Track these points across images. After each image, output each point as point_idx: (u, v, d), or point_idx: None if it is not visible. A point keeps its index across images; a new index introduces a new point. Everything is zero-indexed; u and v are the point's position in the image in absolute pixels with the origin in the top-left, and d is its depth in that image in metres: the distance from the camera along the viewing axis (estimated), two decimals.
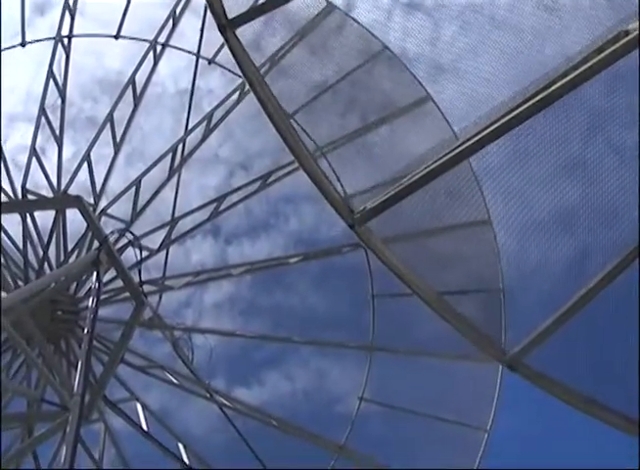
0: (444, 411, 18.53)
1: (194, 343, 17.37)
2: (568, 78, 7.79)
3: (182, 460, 16.99)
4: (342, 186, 9.32)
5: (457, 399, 19.03)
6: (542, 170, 9.24)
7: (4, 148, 17.85)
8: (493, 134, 8.02)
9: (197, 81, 18.75)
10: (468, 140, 8.19)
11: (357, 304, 20.13)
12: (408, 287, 8.11)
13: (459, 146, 8.23)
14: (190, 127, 18.10)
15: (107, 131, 17.71)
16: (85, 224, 16.69)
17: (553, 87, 7.86)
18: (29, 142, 17.73)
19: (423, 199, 9.72)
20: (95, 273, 14.26)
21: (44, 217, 17.16)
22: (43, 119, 17.85)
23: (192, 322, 18.73)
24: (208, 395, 17.72)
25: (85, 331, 13.42)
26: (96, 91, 19.62)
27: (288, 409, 19.07)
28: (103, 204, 17.39)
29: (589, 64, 7.66)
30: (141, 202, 17.37)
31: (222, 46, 18.70)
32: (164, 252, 17.92)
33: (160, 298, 17.63)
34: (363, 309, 19.88)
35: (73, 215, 16.78)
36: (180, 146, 17.87)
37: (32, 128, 17.89)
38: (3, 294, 15.18)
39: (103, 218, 17.14)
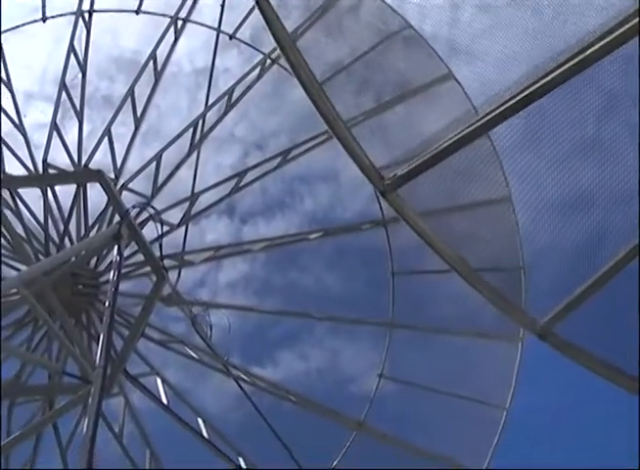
0: (463, 390, 18.54)
1: (201, 325, 17.40)
2: (586, 54, 7.81)
3: (201, 435, 17.05)
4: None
5: (476, 378, 19.04)
6: (558, 151, 9.25)
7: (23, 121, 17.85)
8: (518, 105, 7.98)
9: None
10: (492, 111, 8.14)
11: (372, 284, 20.16)
12: (439, 255, 8.10)
13: (484, 116, 8.18)
14: (210, 103, 18.06)
15: (123, 111, 17.66)
16: (105, 200, 16.85)
17: (570, 63, 7.86)
18: (45, 120, 17.79)
19: (443, 176, 9.70)
20: (116, 247, 14.28)
21: (65, 192, 17.21)
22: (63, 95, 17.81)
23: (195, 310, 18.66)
24: (226, 372, 17.76)
25: (106, 304, 13.43)
26: (112, 70, 19.60)
27: (302, 389, 19.07)
28: (123, 179, 17.41)
29: (607, 39, 7.64)
30: (160, 180, 17.38)
31: (243, 22, 18.71)
32: (181, 230, 17.92)
33: (180, 274, 17.64)
34: (377, 290, 19.90)
35: (94, 191, 16.91)
36: (200, 122, 17.85)
37: (48, 106, 17.94)
38: (24, 267, 15.28)
39: (123, 194, 17.12)
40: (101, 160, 17.41)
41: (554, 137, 9.17)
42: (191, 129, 17.61)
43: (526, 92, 8.01)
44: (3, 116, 17.57)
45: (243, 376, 17.82)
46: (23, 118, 17.91)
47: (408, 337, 19.57)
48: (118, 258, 14.06)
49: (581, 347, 8.29)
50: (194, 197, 17.83)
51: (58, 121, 17.44)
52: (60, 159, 17.44)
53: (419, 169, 7.84)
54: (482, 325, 19.14)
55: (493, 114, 8.17)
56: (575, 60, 7.88)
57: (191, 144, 17.55)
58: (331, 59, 18.63)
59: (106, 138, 17.26)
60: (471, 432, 18.78)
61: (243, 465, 17.31)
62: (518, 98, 8.00)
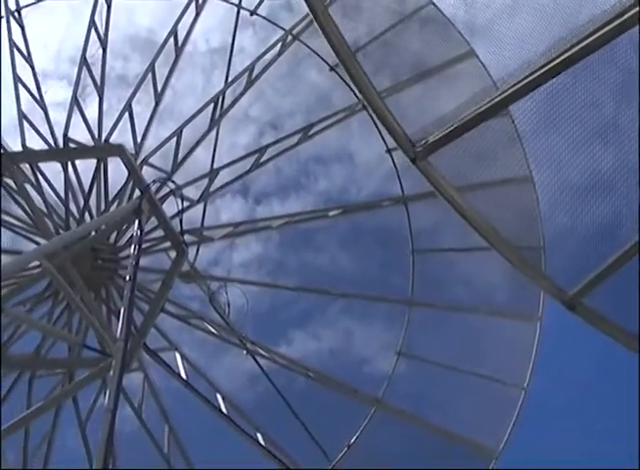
0: (481, 369, 18.54)
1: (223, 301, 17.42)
2: (602, 32, 7.78)
3: (220, 410, 17.10)
4: None
5: (494, 357, 19.05)
6: (576, 133, 9.22)
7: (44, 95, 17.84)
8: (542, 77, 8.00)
9: (228, 40, 18.69)
10: (516, 83, 8.15)
11: (386, 265, 20.14)
12: (468, 223, 8.09)
13: (509, 88, 8.20)
14: (230, 80, 18.00)
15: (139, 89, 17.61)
16: (124, 177, 16.87)
17: (588, 40, 7.93)
18: (60, 99, 17.80)
19: (466, 153, 9.69)
20: (137, 221, 14.29)
21: (85, 167, 17.23)
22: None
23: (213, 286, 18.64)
24: (244, 347, 17.80)
25: (127, 278, 13.46)
26: (126, 49, 19.51)
27: (316, 368, 19.07)
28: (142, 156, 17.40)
29: (624, 17, 7.65)
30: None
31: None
32: (199, 207, 17.91)
33: (198, 250, 17.62)
34: (392, 270, 19.91)
35: (113, 168, 16.92)
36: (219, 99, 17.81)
37: (63, 85, 17.97)
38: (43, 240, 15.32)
39: (143, 170, 17.10)
40: (118, 138, 17.41)
41: (573, 119, 9.16)
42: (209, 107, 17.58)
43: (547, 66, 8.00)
44: (23, 91, 17.57)
45: (261, 352, 17.87)
46: (44, 94, 17.88)
47: (424, 316, 19.58)
48: (139, 232, 14.09)
49: (609, 318, 8.27)
50: (213, 173, 17.81)
51: (72, 100, 17.45)
52: (78, 136, 17.47)
53: (450, 137, 7.85)
54: (499, 305, 19.18)
55: (519, 85, 8.16)
56: (593, 37, 7.88)
57: (211, 120, 17.50)
58: (349, 39, 18.65)
59: (117, 117, 17.27)
60: (488, 411, 18.79)
61: (261, 441, 17.37)
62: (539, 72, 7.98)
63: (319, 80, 19.78)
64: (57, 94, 18.36)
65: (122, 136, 17.29)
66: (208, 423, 18.35)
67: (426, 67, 14.76)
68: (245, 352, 17.83)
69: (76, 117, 17.41)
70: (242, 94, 17.74)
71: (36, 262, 14.41)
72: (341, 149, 20.31)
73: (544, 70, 8.11)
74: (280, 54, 18.06)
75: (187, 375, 17.20)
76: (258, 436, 17.58)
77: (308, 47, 18.28)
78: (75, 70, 17.70)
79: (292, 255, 20.57)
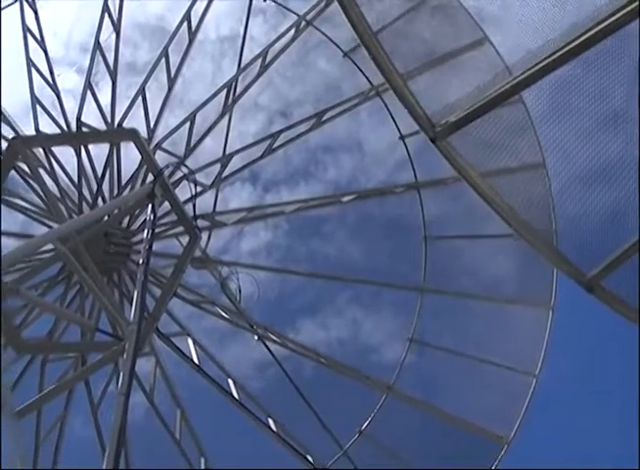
0: (492, 356, 18.55)
1: (231, 288, 17.42)
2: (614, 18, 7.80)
3: (232, 395, 17.13)
4: None
5: (505, 345, 19.04)
6: (586, 122, 9.22)
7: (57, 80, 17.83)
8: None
9: (238, 28, 18.70)
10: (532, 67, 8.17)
11: (394, 254, 20.16)
12: (488, 204, 8.11)
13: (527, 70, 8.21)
14: (243, 66, 17.97)
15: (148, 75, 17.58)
16: (136, 163, 16.86)
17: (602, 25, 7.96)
18: (69, 86, 17.83)
19: (477, 139, 9.70)
20: (150, 205, 14.28)
21: (98, 152, 17.23)
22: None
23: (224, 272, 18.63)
24: (255, 333, 17.82)
25: (140, 261, 13.44)
26: (136, 36, 19.48)
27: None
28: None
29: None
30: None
31: None
32: (210, 193, 17.91)
33: (210, 235, 17.63)
34: (399, 260, 19.93)
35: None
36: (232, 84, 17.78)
37: (73, 71, 17.98)
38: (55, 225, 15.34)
39: (155, 155, 17.07)
40: (129, 124, 17.38)
41: (583, 108, 9.17)
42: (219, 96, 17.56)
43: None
44: (36, 74, 17.58)
45: (273, 337, 17.90)
46: (57, 78, 17.88)
47: (435, 304, 19.60)
48: (152, 216, 14.07)
49: (626, 301, 8.29)
50: (225, 158, 17.79)
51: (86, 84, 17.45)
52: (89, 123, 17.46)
53: (470, 117, 7.86)
54: (509, 293, 19.19)
55: (535, 67, 8.18)
56: (606, 22, 7.87)
57: (224, 105, 17.48)
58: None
59: (131, 101, 17.24)
60: (499, 398, 18.83)
61: (272, 426, 17.41)
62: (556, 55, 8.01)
63: (328, 69, 19.82)
64: (66, 81, 18.38)
65: (134, 122, 17.32)
66: (218, 410, 18.46)
67: (438, 54, 14.74)
68: (256, 337, 17.84)
69: (86, 105, 17.46)
70: (255, 79, 17.73)
71: (49, 246, 14.48)
72: (350, 137, 20.35)
73: (561, 53, 8.07)
74: (294, 39, 18.03)
75: (199, 360, 17.23)
76: (270, 421, 17.62)
77: (322, 33, 18.29)
78: (85, 56, 17.78)
79: (300, 243, 20.63)
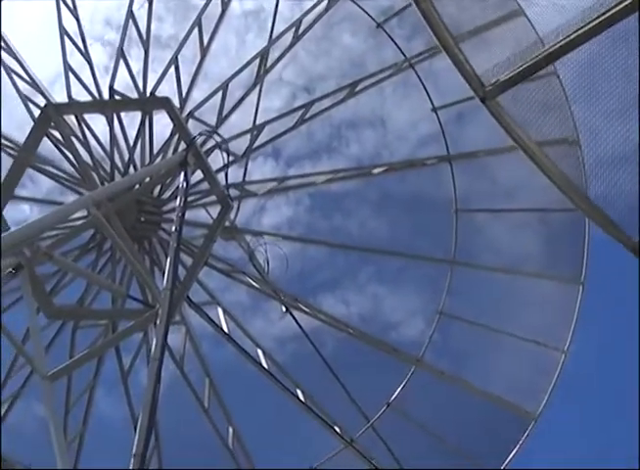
0: (521, 332, 18.49)
1: (258, 260, 17.42)
2: None
3: (261, 365, 17.16)
4: None
5: (534, 320, 18.97)
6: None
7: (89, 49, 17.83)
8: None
9: (261, 3, 18.64)
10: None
11: (417, 230, 20.08)
12: (540, 169, 8.04)
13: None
14: (275, 37, 17.87)
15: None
16: (167, 132, 16.87)
17: None
18: (95, 61, 17.83)
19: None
20: (182, 173, 14.24)
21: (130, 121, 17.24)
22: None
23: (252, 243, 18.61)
24: (282, 303, 17.83)
25: (173, 229, 13.44)
26: (161, 10, 19.38)
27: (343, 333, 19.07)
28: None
29: None
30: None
31: None
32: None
33: (239, 206, 17.59)
34: (422, 236, 19.85)
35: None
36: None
37: (98, 46, 18.02)
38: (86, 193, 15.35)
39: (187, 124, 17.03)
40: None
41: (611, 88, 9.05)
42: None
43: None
44: (69, 43, 17.58)
45: (303, 307, 17.90)
46: (89, 46, 17.88)
47: (462, 279, 19.50)
48: (185, 184, 14.04)
49: None
50: (256, 128, 17.74)
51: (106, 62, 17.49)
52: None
53: (521, 76, 7.80)
54: (539, 268, 19.09)
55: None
56: None
57: (257, 75, 17.42)
58: (385, 3, 18.54)
59: (164, 69, 17.22)
60: (528, 373, 18.79)
61: (301, 397, 17.45)
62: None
63: (353, 44, 19.70)
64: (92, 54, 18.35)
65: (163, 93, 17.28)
66: (244, 382, 18.55)
67: (470, 27, 14.63)
68: (284, 308, 17.83)
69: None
70: (288, 49, 17.67)
71: (78, 214, 14.52)
72: (373, 113, 20.23)
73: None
74: (327, 9, 17.92)
75: (229, 329, 17.28)
76: (298, 392, 17.66)
77: (356, 3, 18.15)
78: (109, 31, 17.91)
79: (322, 219, 20.56)
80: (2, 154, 16.34)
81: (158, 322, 11.79)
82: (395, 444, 18.02)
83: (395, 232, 20.24)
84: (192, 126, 16.69)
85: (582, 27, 8.20)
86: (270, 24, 17.85)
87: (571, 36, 8.24)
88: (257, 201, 18.83)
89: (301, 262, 19.67)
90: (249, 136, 17.82)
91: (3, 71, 17.12)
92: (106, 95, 17.15)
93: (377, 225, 20.59)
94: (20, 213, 17.60)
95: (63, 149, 16.13)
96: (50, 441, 10.75)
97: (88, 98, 17.24)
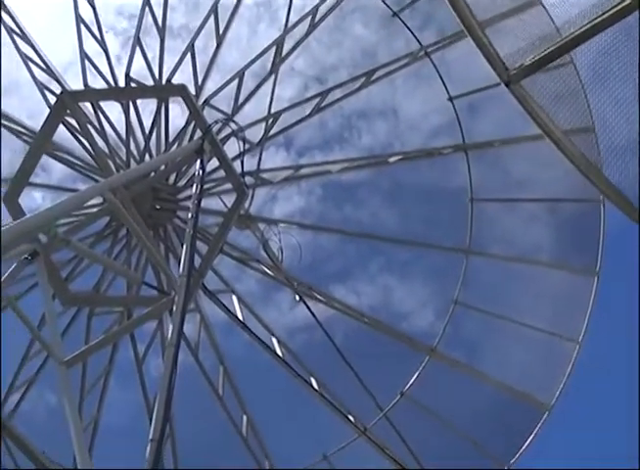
0: (535, 322, 18.46)
1: (272, 248, 17.43)
2: None
3: (275, 352, 17.19)
4: None
5: (548, 311, 18.94)
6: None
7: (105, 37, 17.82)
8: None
9: None
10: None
11: (427, 220, 20.04)
12: (566, 156, 8.04)
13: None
14: (290, 25, 17.82)
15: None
16: (182, 120, 16.87)
17: None
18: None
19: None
20: (198, 161, 14.25)
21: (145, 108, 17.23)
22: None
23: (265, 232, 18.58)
24: (296, 291, 17.83)
25: (189, 216, 13.43)
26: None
27: (354, 323, 19.08)
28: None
29: None
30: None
31: None
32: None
33: (253, 194, 17.57)
34: (433, 226, 19.80)
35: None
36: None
37: (109, 35, 18.01)
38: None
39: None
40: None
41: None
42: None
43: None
44: (85, 31, 17.57)
45: (317, 296, 17.91)
46: (105, 34, 17.88)
47: (476, 270, 19.47)
48: (201, 171, 14.04)
49: None
50: (270, 116, 17.72)
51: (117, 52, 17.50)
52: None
53: (544, 62, 7.80)
54: (554, 258, 19.06)
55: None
56: None
57: (272, 64, 17.39)
58: None
59: (180, 57, 17.19)
60: (542, 364, 18.74)
61: (315, 385, 17.47)
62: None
63: (365, 34, 19.66)
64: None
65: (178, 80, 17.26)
66: (260, 368, 18.57)
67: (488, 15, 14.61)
68: (297, 297, 17.83)
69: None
70: (304, 38, 17.62)
71: (94, 201, 14.55)
72: (385, 104, 20.20)
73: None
74: None
75: (244, 317, 17.30)
76: (312, 380, 17.67)
77: None
78: (121, 20, 17.95)
79: (334, 209, 20.55)
80: (19, 141, 16.43)
81: (174, 309, 11.80)
82: (409, 433, 18.02)
83: (407, 222, 20.25)
84: (206, 115, 16.70)
85: (605, 13, 8.17)
86: (282, 15, 17.89)
87: (596, 20, 8.23)
88: (269, 191, 18.82)
89: (313, 253, 19.71)
90: (261, 125, 17.83)
91: (20, 59, 17.16)
92: (121, 83, 17.15)
93: (388, 215, 20.59)
94: (32, 202, 17.66)
95: (79, 136, 16.15)
96: (61, 428, 10.77)
97: (103, 86, 17.28)
